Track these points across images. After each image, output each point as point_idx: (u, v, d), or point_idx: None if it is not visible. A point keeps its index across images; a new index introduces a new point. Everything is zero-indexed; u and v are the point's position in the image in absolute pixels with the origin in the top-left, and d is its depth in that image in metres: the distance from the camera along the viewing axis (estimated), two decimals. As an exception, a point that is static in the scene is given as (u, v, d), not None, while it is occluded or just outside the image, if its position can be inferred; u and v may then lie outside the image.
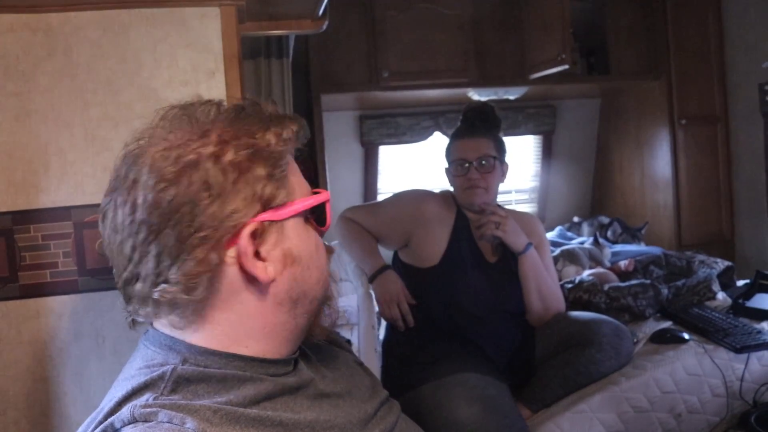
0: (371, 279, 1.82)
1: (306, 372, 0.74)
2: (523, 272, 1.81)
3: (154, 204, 0.62)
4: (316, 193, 0.74)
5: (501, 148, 1.86)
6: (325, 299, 0.77)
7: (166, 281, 0.64)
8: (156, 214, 0.62)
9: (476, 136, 1.83)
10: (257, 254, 0.66)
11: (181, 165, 0.63)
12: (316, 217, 0.74)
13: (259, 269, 0.66)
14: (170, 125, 0.67)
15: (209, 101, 0.71)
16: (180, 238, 0.62)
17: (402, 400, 0.93)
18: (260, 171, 0.66)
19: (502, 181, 1.87)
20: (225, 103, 0.72)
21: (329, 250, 0.79)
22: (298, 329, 0.73)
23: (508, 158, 1.89)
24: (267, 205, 0.67)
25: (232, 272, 0.66)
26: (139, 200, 0.63)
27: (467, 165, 1.80)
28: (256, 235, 0.66)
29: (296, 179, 0.73)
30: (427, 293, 1.77)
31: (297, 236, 0.70)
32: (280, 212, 0.68)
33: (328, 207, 0.75)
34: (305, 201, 0.71)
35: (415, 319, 1.76)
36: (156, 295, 0.64)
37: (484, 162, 1.80)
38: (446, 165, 1.90)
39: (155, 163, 0.64)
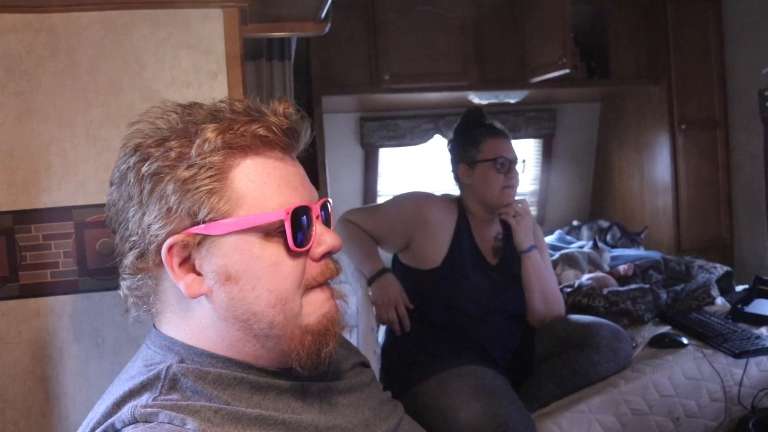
0: (370, 281, 1.82)
1: (314, 377, 0.71)
2: (526, 273, 1.82)
3: (108, 202, 0.69)
4: (302, 208, 0.66)
5: None
6: (302, 329, 0.67)
7: (123, 273, 0.68)
8: (110, 212, 0.69)
9: (506, 137, 1.86)
10: (194, 268, 0.65)
11: (121, 172, 0.66)
12: (294, 234, 0.65)
13: (184, 283, 0.64)
14: (147, 128, 0.67)
15: (193, 104, 0.69)
16: (121, 237, 0.67)
17: (403, 399, 0.93)
18: (171, 186, 0.62)
19: None
20: (205, 106, 0.68)
21: (330, 272, 0.70)
22: (267, 349, 0.67)
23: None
24: (195, 218, 0.63)
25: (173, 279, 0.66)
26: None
27: (510, 164, 1.82)
28: (187, 248, 0.64)
29: (258, 192, 0.65)
30: (428, 295, 1.77)
31: (238, 253, 0.64)
32: (210, 228, 0.63)
33: (288, 227, 0.64)
34: (254, 218, 0.64)
35: (411, 322, 1.76)
36: (121, 284, 0.69)
37: (519, 163, 1.84)
38: (467, 161, 1.83)
39: (116, 163, 0.68)
